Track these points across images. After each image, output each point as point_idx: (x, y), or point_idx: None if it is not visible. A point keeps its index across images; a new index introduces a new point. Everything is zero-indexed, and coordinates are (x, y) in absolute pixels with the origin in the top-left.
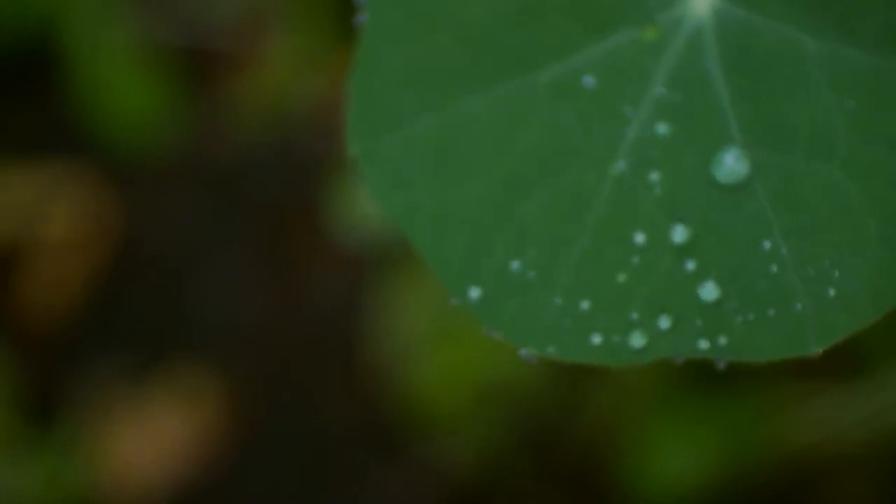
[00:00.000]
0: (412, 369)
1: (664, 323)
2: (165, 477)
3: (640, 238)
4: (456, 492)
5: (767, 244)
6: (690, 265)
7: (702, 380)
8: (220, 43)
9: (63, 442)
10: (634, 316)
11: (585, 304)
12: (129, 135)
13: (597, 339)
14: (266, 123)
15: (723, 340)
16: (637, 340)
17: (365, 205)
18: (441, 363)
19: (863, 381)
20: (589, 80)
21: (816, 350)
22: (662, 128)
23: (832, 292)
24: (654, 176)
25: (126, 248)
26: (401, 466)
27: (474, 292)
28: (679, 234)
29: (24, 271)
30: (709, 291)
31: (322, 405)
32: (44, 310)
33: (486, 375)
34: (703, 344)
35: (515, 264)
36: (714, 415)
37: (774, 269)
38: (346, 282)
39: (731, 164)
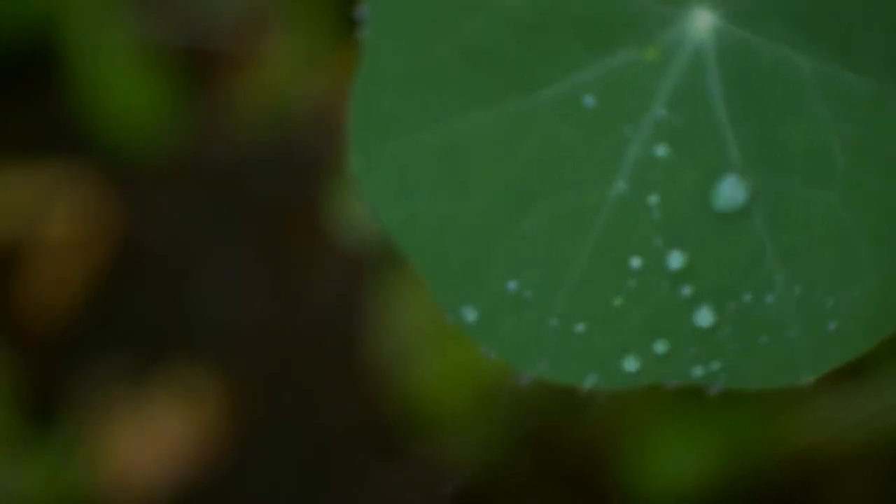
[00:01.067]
0: (412, 369)
1: (659, 348)
2: (165, 477)
3: (636, 262)
4: (456, 492)
5: (762, 271)
6: (686, 290)
7: None
8: (220, 43)
9: (63, 442)
10: (629, 340)
11: (580, 327)
12: (129, 135)
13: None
14: (266, 123)
15: (716, 366)
16: (631, 364)
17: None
18: (441, 363)
19: (864, 381)
20: (590, 100)
21: (808, 379)
22: (662, 149)
23: (825, 320)
24: (653, 199)
25: (126, 248)
26: (401, 466)
27: (470, 311)
28: (675, 259)
29: (24, 271)
30: (703, 317)
31: (322, 405)
32: (44, 310)
33: (487, 375)
34: (697, 370)
35: (512, 284)
36: (715, 415)
37: (769, 296)
38: (346, 282)
39: (729, 190)
